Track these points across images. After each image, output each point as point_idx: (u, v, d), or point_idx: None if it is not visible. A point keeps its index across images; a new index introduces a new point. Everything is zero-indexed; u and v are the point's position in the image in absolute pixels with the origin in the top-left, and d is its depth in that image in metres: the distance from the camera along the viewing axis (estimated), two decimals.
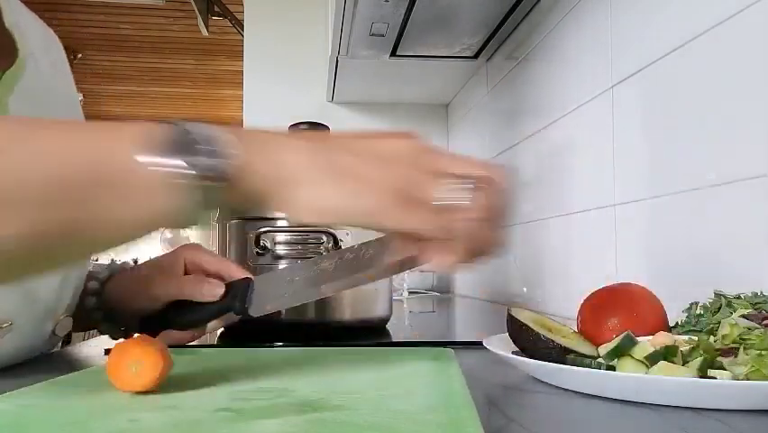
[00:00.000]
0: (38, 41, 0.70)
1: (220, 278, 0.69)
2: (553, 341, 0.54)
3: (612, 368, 0.48)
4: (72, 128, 0.42)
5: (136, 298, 0.71)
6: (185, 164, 0.39)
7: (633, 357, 0.48)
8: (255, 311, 0.64)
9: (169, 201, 0.39)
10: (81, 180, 0.38)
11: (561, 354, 0.53)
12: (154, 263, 0.74)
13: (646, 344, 0.49)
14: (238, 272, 0.70)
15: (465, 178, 0.44)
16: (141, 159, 0.39)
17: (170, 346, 0.48)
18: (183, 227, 0.41)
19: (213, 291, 0.66)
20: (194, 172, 0.39)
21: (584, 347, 0.55)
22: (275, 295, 0.63)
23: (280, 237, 0.83)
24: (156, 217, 0.40)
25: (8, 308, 0.62)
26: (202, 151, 0.40)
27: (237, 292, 0.66)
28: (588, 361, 0.50)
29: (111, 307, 0.74)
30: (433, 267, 0.45)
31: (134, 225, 0.41)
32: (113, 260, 0.80)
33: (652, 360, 0.47)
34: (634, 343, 0.49)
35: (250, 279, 0.67)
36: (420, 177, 0.43)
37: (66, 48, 0.78)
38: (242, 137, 0.42)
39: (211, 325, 0.71)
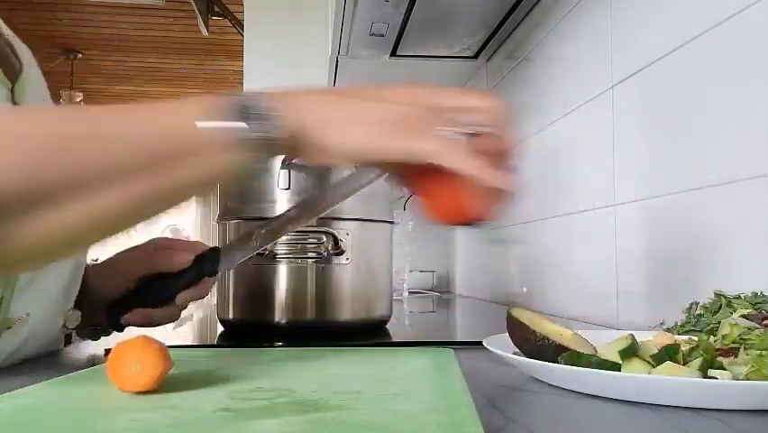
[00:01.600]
0: (23, 52, 0.71)
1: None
2: (548, 338, 0.54)
3: (614, 366, 0.48)
4: (142, 109, 0.50)
5: (108, 279, 0.74)
6: (240, 126, 0.47)
7: (640, 357, 0.48)
8: (225, 266, 0.72)
9: (228, 158, 0.47)
10: (161, 151, 0.46)
11: (556, 352, 0.53)
12: (125, 250, 0.77)
13: (650, 343, 0.49)
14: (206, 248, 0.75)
15: (470, 118, 0.50)
16: (204, 126, 0.47)
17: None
18: (239, 180, 0.52)
19: (182, 259, 0.72)
20: (246, 129, 0.47)
21: (583, 348, 0.55)
22: (242, 250, 0.71)
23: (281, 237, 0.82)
24: (219, 173, 0.48)
25: (23, 303, 0.64)
26: (252, 114, 0.47)
27: (206, 258, 0.72)
28: (589, 357, 0.50)
29: (86, 300, 0.75)
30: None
31: (204, 181, 0.49)
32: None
33: (657, 360, 0.47)
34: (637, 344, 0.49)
35: (217, 247, 0.73)
36: (427, 113, 0.50)
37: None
38: (278, 97, 0.49)
39: (180, 297, 0.73)
